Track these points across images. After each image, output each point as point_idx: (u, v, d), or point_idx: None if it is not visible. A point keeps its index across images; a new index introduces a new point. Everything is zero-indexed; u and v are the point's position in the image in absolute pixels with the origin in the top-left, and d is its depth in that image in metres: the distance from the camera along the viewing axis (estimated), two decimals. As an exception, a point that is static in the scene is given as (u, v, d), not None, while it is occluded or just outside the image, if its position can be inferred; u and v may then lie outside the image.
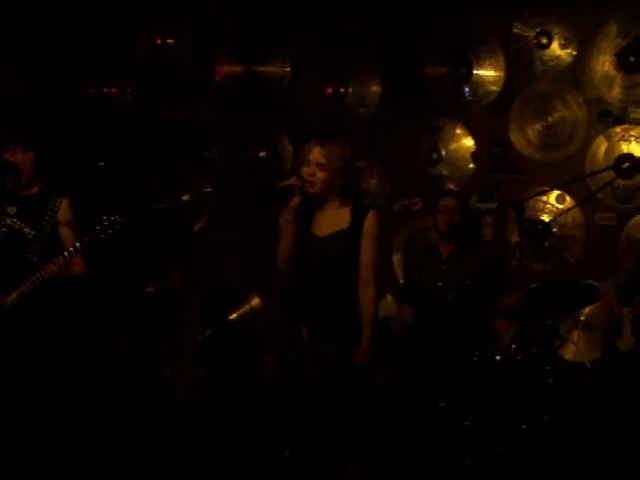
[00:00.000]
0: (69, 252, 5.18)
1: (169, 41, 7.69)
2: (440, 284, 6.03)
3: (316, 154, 4.80)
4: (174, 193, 7.62)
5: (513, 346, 5.51)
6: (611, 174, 6.48)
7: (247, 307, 7.53)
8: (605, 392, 5.43)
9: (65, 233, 5.42)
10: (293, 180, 4.79)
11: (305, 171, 4.80)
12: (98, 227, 5.20)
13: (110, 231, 5.21)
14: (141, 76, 7.83)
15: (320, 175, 4.77)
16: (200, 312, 7.40)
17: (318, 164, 4.77)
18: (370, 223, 4.82)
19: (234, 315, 7.53)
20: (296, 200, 4.77)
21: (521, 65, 6.93)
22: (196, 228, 7.69)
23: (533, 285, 5.65)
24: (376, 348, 4.93)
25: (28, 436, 5.24)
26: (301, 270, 4.88)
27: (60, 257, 5.17)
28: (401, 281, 6.93)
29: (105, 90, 7.91)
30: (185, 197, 7.64)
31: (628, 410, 4.78)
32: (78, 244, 5.19)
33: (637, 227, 6.48)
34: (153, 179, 7.63)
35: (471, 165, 7.15)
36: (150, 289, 7.51)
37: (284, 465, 4.83)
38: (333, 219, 4.82)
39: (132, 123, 7.81)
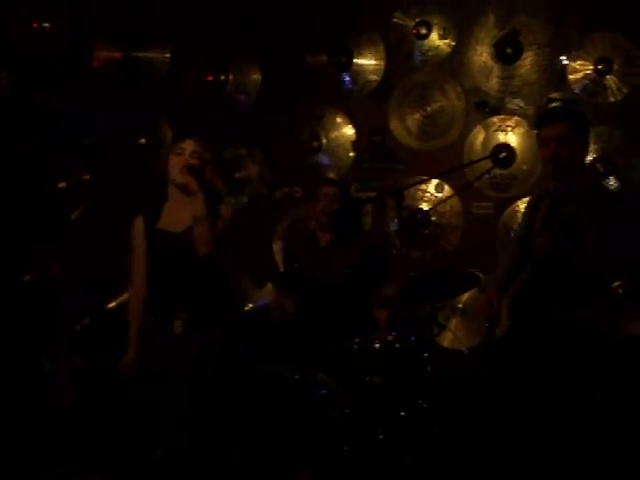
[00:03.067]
0: None
1: (45, 25, 7.52)
2: (319, 272, 6.04)
3: (191, 143, 4.80)
4: (51, 181, 7.48)
5: (393, 334, 5.54)
6: (488, 164, 6.58)
7: (126, 296, 7.41)
8: (482, 379, 5.51)
9: None
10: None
11: (178, 161, 4.76)
12: None
13: None
14: (17, 60, 7.65)
15: (195, 163, 4.76)
16: (78, 301, 7.28)
17: (193, 152, 4.76)
18: (226, 210, 4.84)
19: (112, 304, 7.43)
20: None
21: (401, 55, 6.98)
22: (74, 216, 7.55)
23: (411, 274, 5.69)
24: (255, 338, 4.92)
25: None
26: (164, 267, 4.85)
27: None
28: (281, 270, 6.92)
29: (-21, 74, 7.71)
30: (62, 184, 7.51)
31: (503, 395, 4.85)
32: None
33: (513, 216, 6.59)
34: (29, 166, 7.46)
35: (351, 154, 7.18)
36: (26, 278, 7.36)
37: (158, 463, 4.78)
38: (185, 212, 4.78)
39: (8, 108, 7.62)
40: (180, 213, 4.80)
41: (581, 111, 5.09)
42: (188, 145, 4.80)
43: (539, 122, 4.92)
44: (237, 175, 7.40)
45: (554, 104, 6.40)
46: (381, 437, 5.25)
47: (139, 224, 4.98)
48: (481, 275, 5.63)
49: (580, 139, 4.75)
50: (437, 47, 6.86)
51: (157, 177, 4.97)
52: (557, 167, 4.71)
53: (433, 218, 6.89)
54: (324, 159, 7.25)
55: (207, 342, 4.72)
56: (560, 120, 4.74)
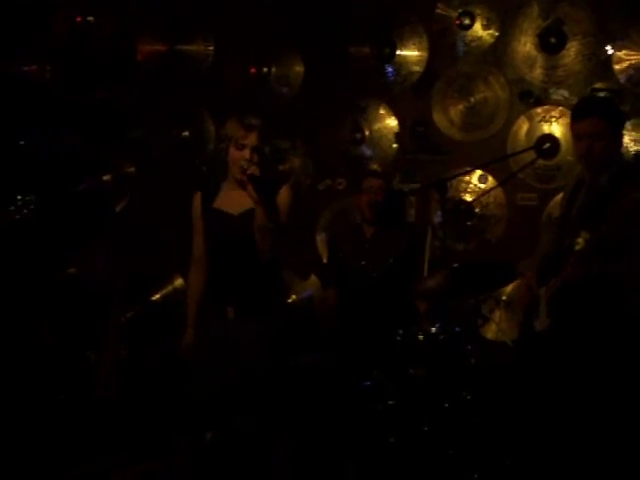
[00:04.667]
0: None
1: (89, 19, 7.57)
2: (363, 264, 6.05)
3: (254, 138, 4.74)
4: (95, 173, 7.54)
5: (437, 325, 5.53)
6: (532, 154, 6.55)
7: (170, 288, 7.47)
8: (525, 371, 5.49)
9: None
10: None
11: (237, 156, 4.73)
12: (12, 207, 5.11)
13: (25, 211, 5.12)
14: (61, 54, 7.70)
15: (256, 158, 4.73)
16: (123, 293, 7.33)
17: (254, 148, 4.73)
18: (283, 197, 4.80)
19: (157, 296, 7.48)
20: None
21: (444, 46, 6.95)
22: (118, 208, 7.61)
23: (455, 265, 5.67)
24: (301, 329, 4.92)
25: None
26: (219, 250, 4.86)
27: None
28: (325, 261, 6.93)
29: (25, 68, 7.75)
30: (106, 177, 7.56)
31: (542, 389, 4.83)
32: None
33: (557, 207, 6.54)
34: (74, 159, 7.52)
35: (394, 145, 7.16)
36: (72, 270, 7.42)
37: (206, 448, 4.81)
38: (244, 196, 4.77)
39: (52, 102, 7.68)
40: (238, 195, 4.79)
41: (613, 103, 5.04)
42: (250, 140, 4.75)
43: (571, 116, 4.89)
44: (280, 167, 7.41)
45: (600, 94, 6.38)
46: (425, 429, 5.25)
47: (197, 200, 4.99)
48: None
49: (613, 132, 4.70)
50: (480, 38, 6.82)
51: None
52: (590, 162, 4.70)
53: (477, 209, 6.86)
54: (367, 151, 7.24)
55: (259, 328, 4.72)
56: (591, 115, 4.68)
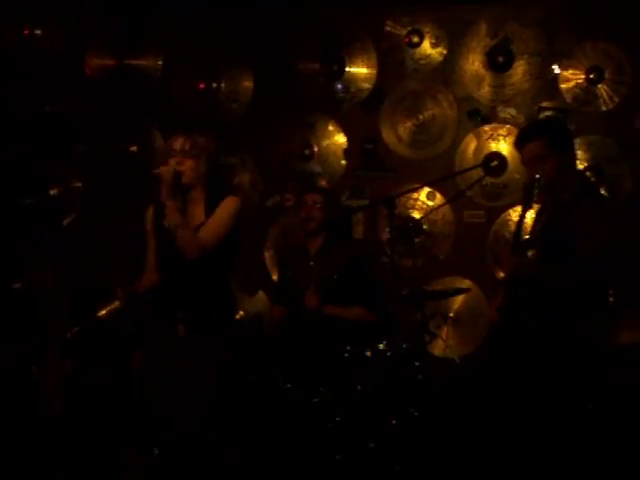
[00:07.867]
0: None
1: (37, 32, 7.51)
2: (309, 281, 6.01)
3: (179, 143, 4.72)
4: (42, 187, 7.47)
5: (384, 342, 5.52)
6: (480, 172, 6.60)
7: (116, 304, 7.39)
8: (474, 387, 5.51)
9: None
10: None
11: (172, 162, 4.70)
12: None
13: None
14: (8, 67, 7.63)
15: (188, 163, 4.70)
16: (68, 309, 7.25)
17: (183, 152, 4.70)
18: (223, 205, 4.75)
19: (103, 312, 7.39)
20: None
21: (393, 63, 6.99)
22: (65, 223, 7.54)
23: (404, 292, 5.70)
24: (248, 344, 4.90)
25: None
26: (170, 266, 4.82)
27: None
28: (274, 278, 6.92)
29: (-31, 82, 7.68)
30: (53, 191, 7.49)
31: (497, 405, 4.86)
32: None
33: (504, 224, 6.60)
34: (20, 173, 7.45)
35: (343, 162, 7.18)
36: (17, 285, 7.33)
37: (154, 464, 4.77)
38: (192, 213, 4.75)
39: (-1, 114, 7.61)
40: (190, 211, 4.76)
41: (552, 123, 5.12)
42: (178, 145, 4.73)
43: (515, 147, 4.97)
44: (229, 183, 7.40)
45: (546, 113, 6.45)
46: (372, 445, 5.24)
47: (149, 215, 4.95)
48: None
49: (558, 151, 4.73)
50: (429, 55, 6.87)
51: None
52: (541, 186, 4.72)
53: (425, 226, 6.90)
54: (316, 167, 7.24)
55: (207, 344, 4.69)
56: (529, 140, 4.76)
